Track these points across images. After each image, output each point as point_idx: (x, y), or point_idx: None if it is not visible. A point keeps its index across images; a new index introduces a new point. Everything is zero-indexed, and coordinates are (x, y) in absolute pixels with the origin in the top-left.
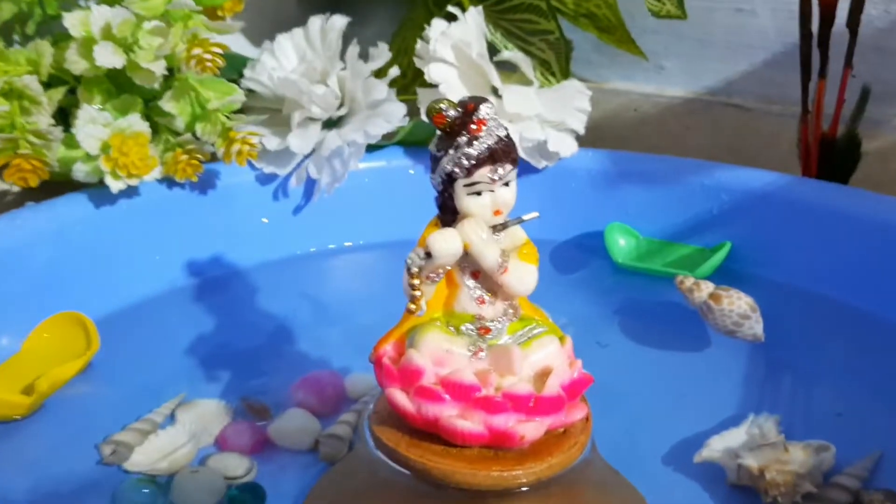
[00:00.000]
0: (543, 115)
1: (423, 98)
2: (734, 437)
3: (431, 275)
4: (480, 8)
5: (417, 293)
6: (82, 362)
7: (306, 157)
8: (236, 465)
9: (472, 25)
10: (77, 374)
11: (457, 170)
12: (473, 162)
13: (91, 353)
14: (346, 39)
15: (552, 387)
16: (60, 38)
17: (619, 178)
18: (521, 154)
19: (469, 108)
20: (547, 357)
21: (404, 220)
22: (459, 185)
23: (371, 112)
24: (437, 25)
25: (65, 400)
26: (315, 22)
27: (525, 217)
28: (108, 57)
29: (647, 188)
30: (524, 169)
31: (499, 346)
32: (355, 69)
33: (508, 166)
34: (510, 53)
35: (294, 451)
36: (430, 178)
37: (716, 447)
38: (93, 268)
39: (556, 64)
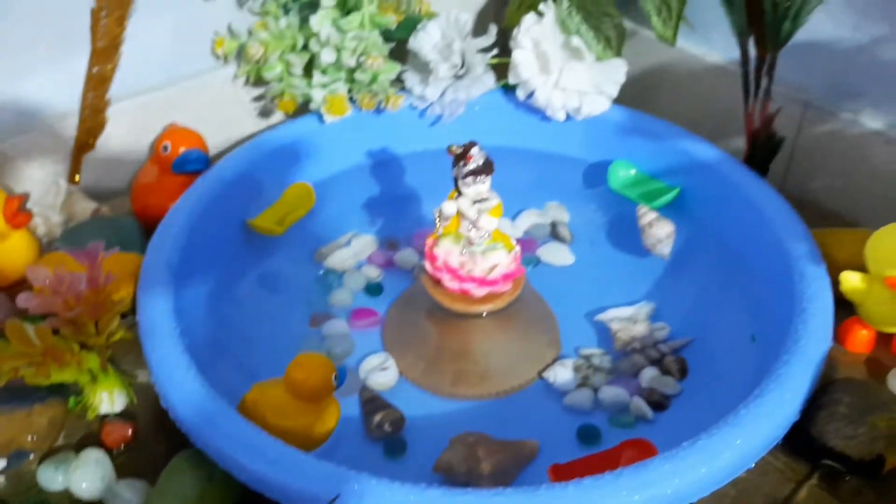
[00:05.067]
0: (585, 86)
1: (512, 65)
2: (623, 312)
3: (445, 220)
4: (562, 7)
5: (439, 225)
6: (307, 209)
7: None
8: (373, 272)
9: (548, 23)
10: (305, 215)
11: (458, 177)
12: (466, 174)
13: (311, 204)
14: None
15: (494, 275)
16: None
17: (631, 130)
18: (570, 111)
19: (467, 147)
20: (496, 259)
21: (488, 136)
22: (460, 182)
23: (475, 78)
24: (527, 20)
25: (298, 228)
26: (452, 14)
27: (488, 199)
28: (330, 56)
29: (646, 139)
30: (570, 117)
31: (473, 252)
32: (469, 46)
33: (484, 176)
34: (577, 40)
35: (405, 270)
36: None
37: (609, 315)
38: (314, 156)
39: (616, 41)
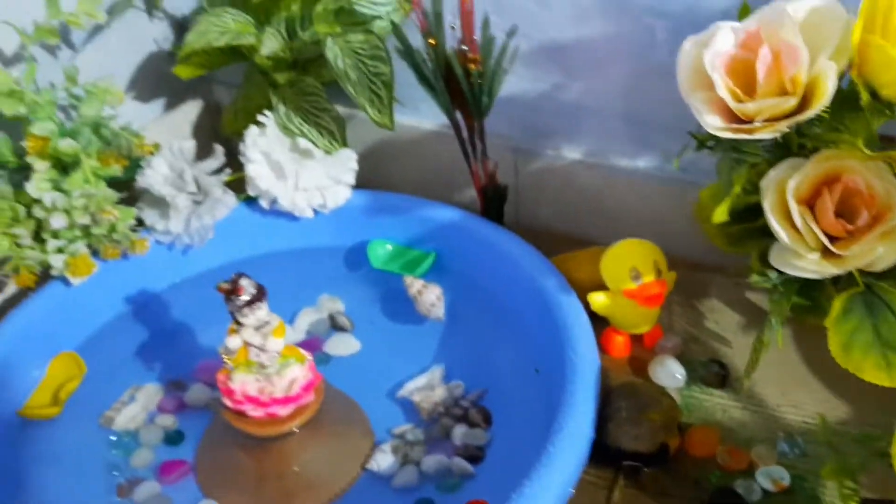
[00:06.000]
0: (323, 181)
1: (248, 180)
2: (419, 381)
3: (233, 353)
4: (280, 113)
5: (227, 358)
6: (80, 377)
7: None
8: (168, 420)
9: (271, 132)
10: (79, 385)
11: (235, 311)
12: (241, 306)
13: (83, 371)
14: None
15: (294, 391)
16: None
17: (377, 209)
18: (316, 208)
19: (235, 281)
20: (293, 374)
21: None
22: (238, 315)
23: (215, 201)
24: (251, 134)
25: (76, 400)
26: (174, 144)
27: (269, 321)
28: (60, 221)
29: (393, 215)
30: (317, 212)
31: (269, 374)
32: (200, 171)
33: (260, 303)
34: (303, 141)
35: (199, 408)
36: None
37: (408, 388)
38: (71, 321)
39: (338, 133)
